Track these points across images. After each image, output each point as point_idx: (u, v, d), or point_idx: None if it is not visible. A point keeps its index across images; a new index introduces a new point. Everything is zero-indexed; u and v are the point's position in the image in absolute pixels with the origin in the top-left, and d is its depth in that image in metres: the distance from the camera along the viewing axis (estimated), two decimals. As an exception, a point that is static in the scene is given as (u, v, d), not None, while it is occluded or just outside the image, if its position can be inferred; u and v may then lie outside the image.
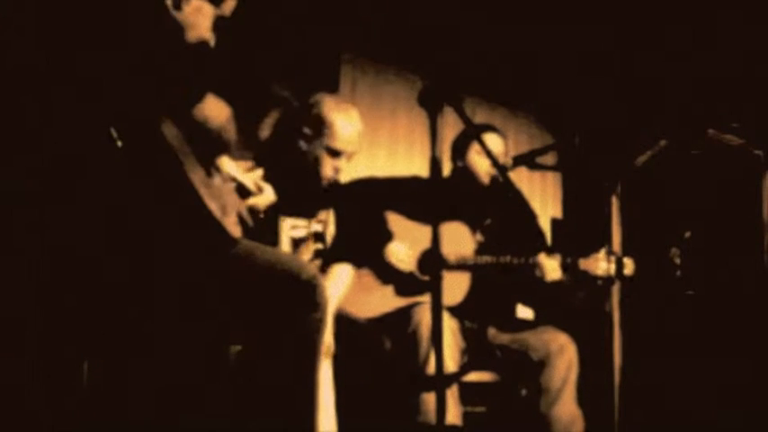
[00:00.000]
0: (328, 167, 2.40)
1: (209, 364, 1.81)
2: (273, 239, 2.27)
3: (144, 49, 1.52)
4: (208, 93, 1.65)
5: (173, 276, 1.63)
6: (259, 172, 2.20)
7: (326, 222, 2.46)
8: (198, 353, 1.78)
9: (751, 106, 3.44)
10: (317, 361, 1.74)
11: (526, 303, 3.22)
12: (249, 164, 2.23)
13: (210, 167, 1.75)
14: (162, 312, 1.65)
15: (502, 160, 2.86)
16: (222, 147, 1.80)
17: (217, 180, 1.79)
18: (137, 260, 1.58)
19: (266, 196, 2.15)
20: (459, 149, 2.95)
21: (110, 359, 1.66)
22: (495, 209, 2.96)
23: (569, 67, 4.29)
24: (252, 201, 2.12)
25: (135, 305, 1.62)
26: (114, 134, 1.47)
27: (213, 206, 1.61)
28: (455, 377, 2.56)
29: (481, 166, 2.87)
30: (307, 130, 2.38)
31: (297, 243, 2.34)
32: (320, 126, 2.37)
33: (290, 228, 2.31)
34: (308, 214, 2.41)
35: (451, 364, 2.54)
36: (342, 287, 2.51)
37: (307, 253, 2.39)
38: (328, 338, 2.27)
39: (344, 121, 2.38)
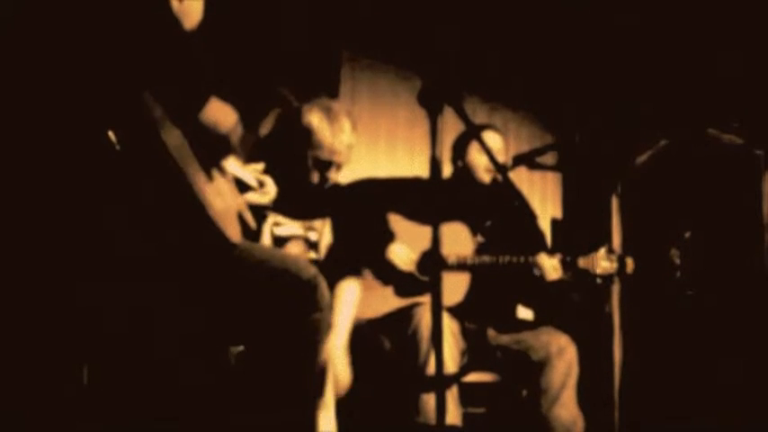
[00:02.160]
0: (316, 176, 2.40)
1: (211, 365, 1.80)
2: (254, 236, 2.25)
3: (146, 47, 1.51)
4: (211, 97, 1.64)
5: (173, 278, 1.63)
6: (259, 166, 2.19)
7: (321, 231, 2.44)
8: (199, 354, 1.78)
9: (751, 106, 3.44)
10: (318, 360, 1.73)
11: (526, 304, 3.21)
12: (259, 165, 2.22)
13: (212, 169, 1.75)
14: (163, 313, 1.65)
15: (501, 157, 2.87)
16: (227, 150, 1.80)
17: (219, 181, 1.79)
18: (136, 261, 1.58)
19: (267, 190, 2.15)
20: (460, 149, 2.96)
21: (110, 361, 1.65)
22: (496, 210, 2.96)
23: (569, 67, 4.29)
24: (251, 197, 2.11)
25: (135, 307, 1.61)
26: (113, 138, 1.46)
27: (213, 210, 1.60)
28: (455, 378, 2.56)
29: (481, 163, 2.87)
30: (297, 138, 2.37)
31: (279, 241, 2.31)
32: (308, 136, 2.36)
33: (273, 224, 2.29)
34: (299, 216, 2.40)
35: (451, 364, 2.53)
36: (351, 311, 2.48)
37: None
38: (346, 376, 2.27)
39: (332, 132, 2.37)
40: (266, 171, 2.22)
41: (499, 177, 2.86)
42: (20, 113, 1.48)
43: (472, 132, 2.75)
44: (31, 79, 1.48)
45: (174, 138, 1.54)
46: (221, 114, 1.67)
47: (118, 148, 1.46)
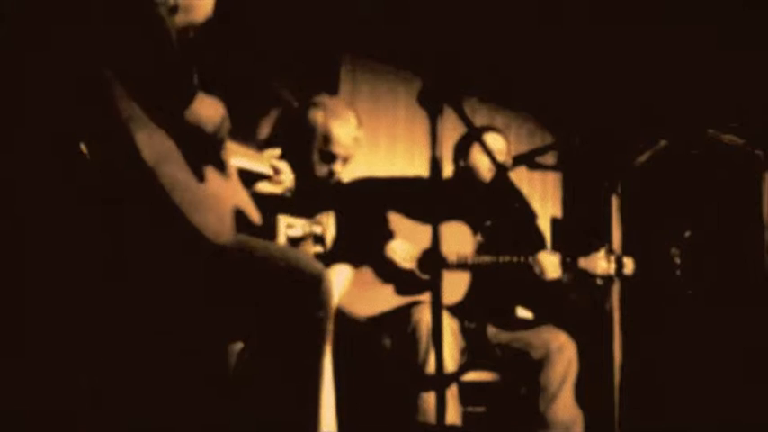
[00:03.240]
0: (322, 170, 2.41)
1: (211, 362, 1.81)
2: (270, 238, 2.26)
3: (133, 48, 1.49)
4: (198, 93, 1.63)
5: (171, 275, 1.62)
6: (276, 152, 2.18)
7: (326, 225, 2.45)
8: (200, 350, 1.78)
9: (751, 106, 3.44)
10: (321, 359, 1.73)
11: (525, 305, 3.22)
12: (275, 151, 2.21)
13: (205, 167, 1.74)
14: (163, 311, 1.65)
15: (503, 159, 2.88)
16: (218, 146, 1.79)
17: (214, 179, 1.78)
18: (133, 263, 1.57)
19: (282, 178, 2.15)
20: (462, 149, 2.97)
21: (111, 359, 1.66)
22: (496, 210, 2.96)
23: (569, 67, 4.29)
24: (264, 186, 2.11)
25: (134, 306, 1.61)
26: (83, 147, 1.44)
27: (196, 212, 1.58)
28: (455, 376, 2.56)
29: (484, 164, 2.89)
30: (303, 133, 2.39)
31: (293, 242, 2.33)
32: (314, 129, 2.38)
33: (286, 227, 2.30)
34: (306, 214, 2.41)
35: (451, 363, 2.54)
36: (340, 287, 2.51)
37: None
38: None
39: (338, 125, 2.39)
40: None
41: (500, 178, 2.87)
42: None
43: (474, 134, 2.76)
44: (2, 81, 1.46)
45: (154, 140, 1.52)
46: (208, 110, 1.66)
47: (89, 158, 1.44)
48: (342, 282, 2.52)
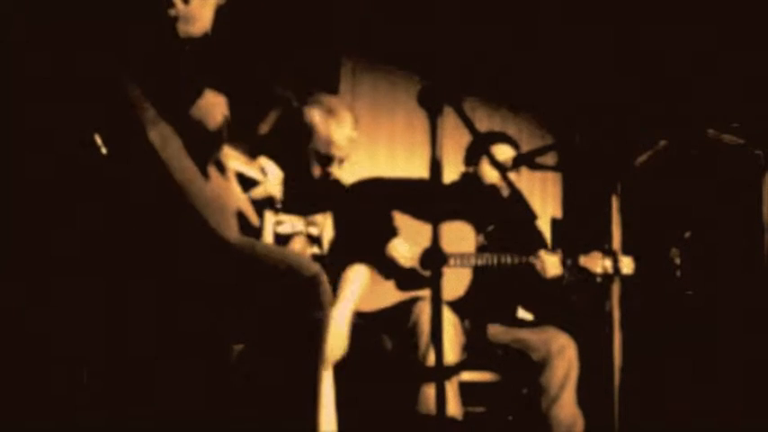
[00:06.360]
0: (317, 170, 2.42)
1: (211, 363, 1.81)
2: (256, 233, 2.26)
3: (142, 49, 1.51)
4: (205, 89, 1.64)
5: (172, 276, 1.63)
6: (262, 159, 2.20)
7: (323, 226, 2.45)
8: (200, 352, 1.78)
9: (751, 106, 3.44)
10: (319, 360, 1.73)
11: (526, 305, 3.22)
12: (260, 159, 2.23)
13: (209, 166, 1.75)
14: (163, 312, 1.65)
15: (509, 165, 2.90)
16: (220, 141, 1.80)
17: (217, 179, 1.79)
18: (133, 262, 1.58)
19: (272, 179, 2.16)
20: (472, 157, 2.98)
21: (109, 360, 1.66)
22: (499, 212, 2.97)
23: (569, 68, 4.29)
24: (257, 192, 2.12)
25: (134, 305, 1.62)
26: (99, 141, 1.46)
27: (205, 208, 1.59)
28: (455, 370, 2.57)
29: (491, 177, 2.91)
30: (300, 133, 2.40)
31: (281, 239, 2.33)
32: (311, 130, 2.39)
33: (275, 223, 2.30)
34: (300, 212, 2.41)
35: (452, 356, 2.54)
36: (358, 289, 2.49)
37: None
38: (341, 345, 2.26)
39: (335, 127, 2.41)
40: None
41: (505, 186, 2.90)
42: (5, 115, 1.47)
43: (483, 147, 2.79)
44: (18, 80, 1.47)
45: (164, 137, 1.53)
46: (212, 107, 1.67)
47: (104, 150, 1.46)
48: (361, 282, 2.51)
